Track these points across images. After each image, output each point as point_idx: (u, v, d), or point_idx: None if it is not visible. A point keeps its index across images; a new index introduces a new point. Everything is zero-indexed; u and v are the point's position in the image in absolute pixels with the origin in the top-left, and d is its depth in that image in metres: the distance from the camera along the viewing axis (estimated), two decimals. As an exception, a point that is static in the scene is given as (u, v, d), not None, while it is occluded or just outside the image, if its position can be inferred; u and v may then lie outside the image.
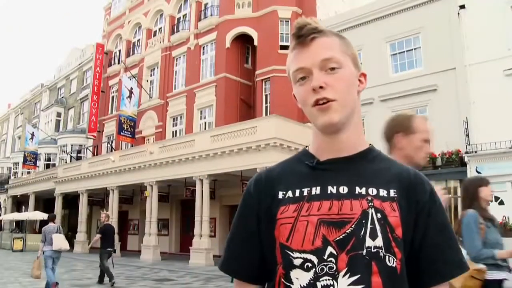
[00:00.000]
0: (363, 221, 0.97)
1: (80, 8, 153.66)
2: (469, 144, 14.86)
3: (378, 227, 0.97)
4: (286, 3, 21.36)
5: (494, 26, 15.05)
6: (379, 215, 0.97)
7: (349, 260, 0.95)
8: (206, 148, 18.30)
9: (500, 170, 14.13)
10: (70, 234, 31.72)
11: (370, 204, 0.98)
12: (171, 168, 20.08)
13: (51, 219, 10.60)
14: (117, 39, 32.46)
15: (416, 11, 17.20)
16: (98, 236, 11.86)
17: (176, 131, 25.54)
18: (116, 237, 16.14)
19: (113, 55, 32.23)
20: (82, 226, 26.88)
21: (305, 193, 1.03)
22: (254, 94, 22.58)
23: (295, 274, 0.98)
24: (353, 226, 0.97)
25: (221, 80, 22.75)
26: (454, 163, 15.00)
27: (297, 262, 0.98)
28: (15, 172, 40.16)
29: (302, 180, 1.06)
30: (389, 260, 0.96)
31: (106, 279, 11.87)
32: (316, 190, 1.02)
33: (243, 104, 23.00)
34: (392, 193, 1.01)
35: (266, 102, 21.24)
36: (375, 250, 0.95)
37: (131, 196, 26.54)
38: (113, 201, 23.87)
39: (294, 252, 0.98)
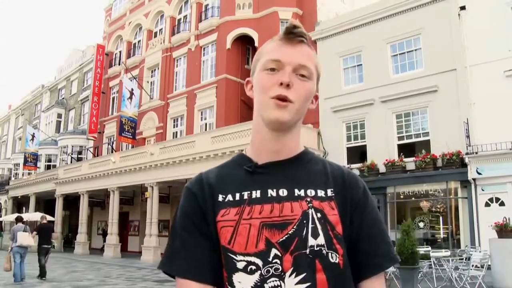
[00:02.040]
0: (304, 222, 1.00)
1: (81, 9, 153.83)
2: (469, 145, 14.85)
3: (319, 226, 1.00)
4: (287, 4, 21.37)
5: (495, 27, 15.04)
6: (319, 215, 1.02)
7: (294, 260, 0.98)
8: (206, 149, 18.30)
9: (500, 171, 14.12)
10: (71, 235, 31.79)
11: (310, 205, 1.02)
12: (172, 169, 20.08)
13: (19, 220, 12.41)
14: (117, 40, 32.49)
15: (417, 12, 17.20)
16: (34, 233, 12.97)
17: (176, 132, 25.54)
18: (55, 235, 17.06)
19: (114, 56, 32.25)
20: (82, 227, 26.89)
21: (246, 197, 1.04)
22: (255, 95, 22.54)
23: (237, 277, 0.99)
24: (295, 227, 1.00)
25: (222, 81, 22.76)
26: (455, 164, 14.99)
27: (240, 265, 0.99)
28: (16, 173, 40.16)
29: (242, 184, 1.07)
30: (331, 257, 1.00)
31: (54, 275, 13.12)
32: (256, 194, 1.04)
33: (243, 105, 22.99)
34: (329, 192, 1.07)
35: (267, 103, 21.23)
36: (318, 248, 0.99)
37: (132, 197, 26.56)
38: (114, 202, 23.87)
39: (237, 255, 0.99)
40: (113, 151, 27.24)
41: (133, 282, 13.02)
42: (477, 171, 14.54)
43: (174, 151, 20.11)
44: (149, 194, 21.42)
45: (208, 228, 1.05)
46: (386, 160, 16.47)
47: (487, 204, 14.52)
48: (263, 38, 21.55)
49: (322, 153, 18.29)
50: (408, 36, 17.27)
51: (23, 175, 37.34)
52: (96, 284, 12.41)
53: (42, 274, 12.82)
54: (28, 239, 11.72)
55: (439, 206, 15.93)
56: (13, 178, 39.19)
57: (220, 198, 1.06)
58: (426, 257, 10.75)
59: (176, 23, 27.15)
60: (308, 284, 0.97)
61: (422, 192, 16.21)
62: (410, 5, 17.29)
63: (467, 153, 14.80)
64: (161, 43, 27.58)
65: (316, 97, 1.15)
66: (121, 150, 27.27)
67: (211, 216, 1.05)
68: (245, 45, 23.56)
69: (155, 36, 28.79)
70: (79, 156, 32.29)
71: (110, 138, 30.15)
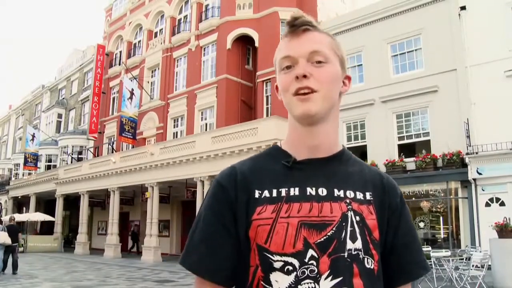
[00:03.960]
0: (343, 224, 0.97)
1: (81, 9, 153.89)
2: (470, 145, 14.84)
3: (357, 230, 0.98)
4: (287, 4, 21.37)
5: (495, 27, 15.04)
6: (358, 218, 0.99)
7: (331, 262, 0.94)
8: (207, 149, 18.31)
9: (501, 171, 14.12)
10: (71, 235, 31.80)
11: (349, 207, 0.99)
12: (172, 169, 20.09)
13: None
14: (118, 40, 32.50)
15: (417, 12, 17.20)
16: (5, 233, 14.08)
17: (177, 132, 25.55)
18: (21, 235, 18.13)
19: (114, 56, 32.26)
20: (83, 228, 26.90)
21: (283, 194, 1.00)
22: (255, 95, 22.58)
23: (274, 277, 0.95)
24: (334, 229, 0.96)
25: (222, 81, 22.76)
26: (455, 164, 14.99)
27: (277, 265, 0.95)
28: (16, 173, 40.19)
29: (279, 179, 1.02)
30: (367, 262, 0.97)
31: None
32: (294, 191, 1.00)
33: (244, 105, 23.00)
34: (368, 196, 1.04)
35: (267, 103, 21.25)
36: (356, 252, 0.96)
37: (132, 197, 26.57)
38: (114, 202, 23.89)
39: (274, 255, 0.96)
40: (114, 151, 27.24)
41: (134, 282, 13.02)
42: (477, 171, 14.53)
43: (174, 151, 20.11)
44: (149, 194, 21.42)
45: (235, 226, 1.01)
46: (387, 160, 16.47)
47: (487, 204, 14.52)
48: (263, 38, 21.56)
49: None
50: (409, 36, 17.27)
51: (23, 175, 37.37)
52: (96, 284, 12.42)
53: (2, 268, 14.21)
54: (6, 238, 13.74)
55: (439, 206, 15.93)
56: (13, 178, 39.23)
57: (257, 194, 1.01)
58: (427, 257, 10.71)
59: (177, 23, 27.16)
60: None
61: (422, 192, 16.20)
62: (410, 5, 17.28)
63: (467, 153, 14.80)
64: (161, 43, 27.59)
65: (348, 78, 1.12)
66: (122, 150, 27.27)
67: (243, 213, 1.01)
68: (246, 45, 23.56)
69: (156, 36, 28.80)
70: (79, 156, 32.31)
71: (111, 138, 30.16)
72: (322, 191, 1.00)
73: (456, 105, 15.55)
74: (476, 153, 14.65)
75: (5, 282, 12.41)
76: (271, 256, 0.96)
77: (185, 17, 26.83)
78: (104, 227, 28.96)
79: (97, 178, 25.05)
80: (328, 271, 0.94)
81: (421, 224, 16.00)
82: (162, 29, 28.40)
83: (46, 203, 34.31)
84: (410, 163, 16.03)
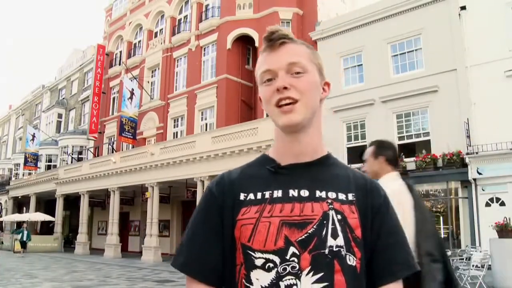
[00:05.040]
0: (324, 222, 1.01)
1: (81, 9, 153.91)
2: (470, 145, 14.84)
3: (339, 228, 1.01)
4: (287, 4, 21.37)
5: (495, 27, 15.04)
6: (339, 216, 1.02)
7: (312, 259, 0.98)
8: (207, 149, 18.31)
9: (501, 171, 14.12)
10: (71, 235, 31.82)
11: (331, 206, 1.03)
12: (172, 169, 20.09)
13: None
14: (118, 40, 32.51)
15: (417, 12, 17.20)
16: None
17: (177, 132, 25.55)
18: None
19: (114, 56, 32.26)
20: (83, 227, 26.91)
21: (267, 196, 1.05)
22: (255, 95, 22.57)
23: (255, 274, 0.99)
24: (314, 227, 1.00)
25: (222, 81, 22.76)
26: (455, 164, 14.99)
27: (259, 262, 0.99)
28: (16, 173, 40.19)
29: (264, 183, 1.08)
30: (349, 259, 1.00)
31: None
32: (278, 193, 1.05)
33: (244, 105, 23.00)
34: (350, 196, 1.07)
35: (267, 103, 21.22)
36: (337, 249, 0.99)
37: (132, 197, 26.57)
38: (114, 202, 23.89)
39: (255, 253, 1.00)
40: (114, 151, 27.25)
41: (134, 282, 13.03)
42: (477, 171, 14.54)
43: (174, 151, 20.11)
44: (150, 194, 21.43)
45: (223, 229, 1.07)
46: (387, 160, 16.44)
47: (487, 204, 14.52)
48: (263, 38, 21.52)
49: (323, 153, 18.29)
50: (409, 36, 17.27)
51: (23, 175, 37.37)
52: (96, 284, 12.42)
53: None
54: None
55: (439, 206, 15.93)
56: (13, 178, 39.24)
57: (242, 197, 1.07)
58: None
59: (177, 23, 27.16)
60: (325, 284, 0.97)
61: (422, 192, 16.20)
62: (410, 5, 17.29)
63: (467, 153, 14.80)
64: (161, 43, 27.59)
65: (327, 84, 1.16)
66: (122, 150, 27.28)
67: (230, 215, 1.07)
68: (246, 45, 23.56)
69: (156, 36, 28.80)
70: (79, 156, 32.32)
71: (111, 138, 30.17)
72: (304, 193, 1.05)
73: (456, 105, 15.55)
74: (476, 153, 14.65)
75: (5, 282, 12.41)
76: (253, 254, 1.00)
77: (185, 17, 26.83)
78: (104, 227, 28.96)
79: (97, 178, 25.05)
80: (309, 267, 0.97)
81: (421, 224, 15.97)
82: (162, 29, 28.40)
83: (46, 203, 34.32)
84: (410, 163, 16.02)
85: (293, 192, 1.05)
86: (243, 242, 1.02)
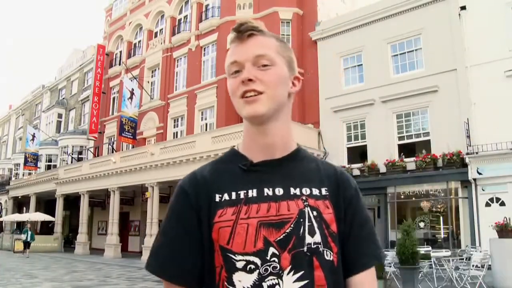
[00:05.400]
0: (301, 220, 1.02)
1: (81, 9, 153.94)
2: (470, 145, 14.85)
3: (315, 224, 1.02)
4: (287, 4, 21.37)
5: (495, 27, 15.04)
6: (315, 213, 1.03)
7: (292, 258, 0.99)
8: (207, 149, 18.30)
9: (501, 171, 14.12)
10: (71, 235, 31.81)
11: (306, 203, 1.04)
12: (172, 169, 20.08)
13: None
14: (118, 40, 32.50)
15: (417, 12, 17.20)
16: None
17: (177, 132, 25.55)
18: None
19: (114, 56, 32.26)
20: (83, 227, 26.90)
21: (242, 196, 1.04)
22: (255, 95, 22.56)
23: (237, 276, 0.99)
24: (292, 226, 1.01)
25: (222, 81, 22.73)
26: (455, 164, 14.99)
27: (240, 264, 0.99)
28: (16, 173, 40.19)
29: (237, 182, 1.07)
30: (327, 254, 1.02)
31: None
32: (253, 193, 1.04)
33: (244, 105, 22.97)
34: (323, 191, 1.08)
35: (267, 103, 21.22)
36: (315, 246, 1.01)
37: (132, 197, 26.57)
38: (114, 202, 23.89)
39: (236, 255, 0.99)
40: (114, 151, 27.24)
41: (134, 282, 13.03)
42: (477, 171, 14.54)
43: (174, 151, 20.11)
44: (150, 194, 21.42)
45: (199, 229, 1.05)
46: (387, 160, 16.47)
47: (487, 204, 14.52)
48: (263, 38, 21.53)
49: (323, 153, 18.30)
50: (409, 36, 17.28)
51: (23, 175, 37.37)
52: (96, 284, 12.42)
53: None
54: None
55: (439, 206, 15.93)
56: (13, 178, 39.23)
57: (217, 198, 1.05)
58: (427, 257, 10.74)
59: (177, 23, 27.16)
60: (306, 281, 0.98)
61: (422, 192, 16.20)
62: (410, 5, 17.29)
63: (467, 153, 14.80)
64: (161, 43, 27.59)
65: (297, 78, 1.14)
66: (122, 150, 27.27)
67: (206, 216, 1.05)
68: (246, 45, 23.52)
69: (156, 36, 28.79)
70: (79, 156, 32.31)
71: (111, 138, 30.16)
72: (279, 191, 1.05)
73: (456, 105, 15.55)
74: (476, 153, 14.65)
75: (5, 282, 12.42)
76: (233, 256, 0.99)
77: (185, 17, 26.83)
78: (104, 227, 28.95)
79: (97, 178, 25.05)
80: (290, 266, 0.98)
81: (421, 224, 16.00)
82: (162, 29, 28.40)
83: (46, 203, 34.30)
84: (410, 163, 16.03)
85: (268, 191, 1.05)
86: (221, 245, 1.01)
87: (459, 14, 15.99)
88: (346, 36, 19.07)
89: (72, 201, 30.38)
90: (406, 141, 16.88)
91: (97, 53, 31.62)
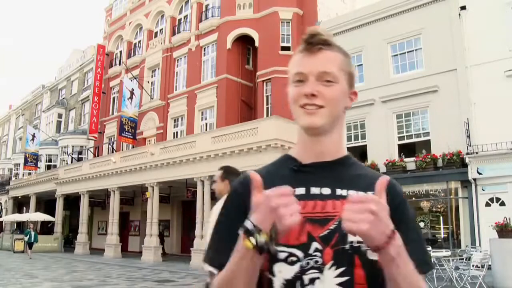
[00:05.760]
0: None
1: (81, 9, 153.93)
2: (470, 145, 14.85)
3: None
4: (287, 4, 21.37)
5: (495, 27, 15.04)
6: None
7: (334, 254, 1.02)
8: (207, 149, 18.31)
9: (501, 171, 14.12)
10: (71, 235, 31.82)
11: None
12: (172, 169, 20.09)
13: None
14: (118, 40, 32.51)
15: (417, 12, 17.20)
16: None
17: (177, 132, 25.55)
18: None
19: (114, 56, 32.27)
20: (83, 227, 26.90)
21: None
22: (255, 95, 22.59)
23: (278, 267, 1.03)
24: (336, 223, 1.04)
25: (222, 81, 22.76)
26: (455, 164, 14.99)
27: (282, 256, 1.03)
28: (16, 173, 40.19)
29: (287, 182, 1.08)
30: (370, 254, 1.02)
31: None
32: (300, 191, 1.09)
33: (244, 105, 23.00)
34: (370, 194, 1.07)
35: (267, 103, 21.25)
36: (357, 244, 1.02)
37: (132, 197, 26.57)
38: (114, 202, 23.89)
39: (279, 246, 1.01)
40: (114, 151, 27.25)
41: (134, 282, 13.03)
42: (477, 171, 14.54)
43: (174, 151, 20.11)
44: (150, 194, 21.43)
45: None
46: (387, 160, 16.47)
47: (487, 204, 14.52)
48: (263, 38, 21.57)
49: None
50: (409, 36, 17.28)
51: (23, 175, 37.37)
52: (96, 284, 12.42)
53: None
54: None
55: (439, 206, 15.93)
56: (13, 178, 39.24)
57: None
58: (427, 257, 10.72)
59: (177, 23, 27.17)
60: (347, 278, 1.01)
61: (422, 192, 16.21)
62: (410, 5, 17.29)
63: (467, 153, 14.80)
64: (161, 43, 27.59)
65: (354, 93, 1.19)
66: (122, 150, 27.28)
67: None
68: (246, 45, 23.56)
69: (156, 36, 28.80)
70: (79, 156, 32.32)
71: (111, 138, 30.17)
72: (326, 191, 1.10)
73: (456, 105, 15.55)
74: (476, 153, 14.65)
75: (5, 282, 12.42)
76: (283, 248, 1.03)
77: (185, 17, 26.84)
78: (104, 227, 28.97)
79: (97, 178, 25.05)
80: (332, 262, 1.02)
81: (421, 224, 15.99)
82: (162, 29, 28.41)
83: (46, 203, 34.31)
84: (410, 163, 16.03)
85: (315, 190, 1.09)
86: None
87: (459, 14, 15.99)
88: (346, 36, 19.06)
89: (72, 201, 30.39)
90: (406, 141, 16.88)
91: (97, 53, 31.63)
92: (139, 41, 30.17)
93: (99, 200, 28.14)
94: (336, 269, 1.01)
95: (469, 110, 15.19)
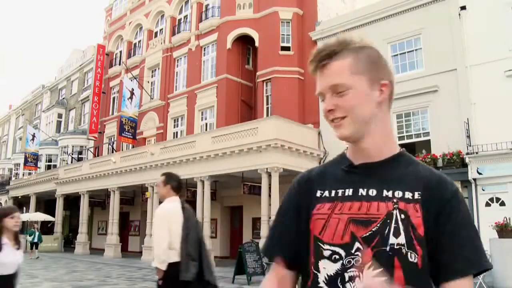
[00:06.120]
0: (388, 221, 1.09)
1: (81, 9, 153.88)
2: (470, 145, 14.84)
3: (401, 227, 1.07)
4: (287, 4, 21.36)
5: (495, 27, 15.04)
6: (402, 216, 1.09)
7: (374, 254, 1.07)
8: (207, 149, 18.30)
9: (501, 171, 14.12)
10: (71, 235, 31.81)
11: (396, 205, 1.10)
12: (172, 169, 20.04)
13: None
14: (118, 40, 32.50)
15: (417, 12, 17.20)
16: None
17: (177, 132, 25.55)
18: None
19: (114, 56, 32.27)
20: (83, 227, 26.91)
21: (340, 194, 1.17)
22: (255, 95, 22.58)
23: (322, 264, 1.12)
24: (378, 225, 1.09)
25: (222, 81, 22.76)
26: (455, 164, 14.99)
27: (326, 253, 1.12)
28: (16, 173, 40.19)
29: (338, 181, 1.20)
30: (411, 256, 1.06)
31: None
32: (349, 192, 1.16)
33: (244, 105, 22.99)
34: (416, 195, 1.12)
35: (267, 103, 21.24)
36: (398, 247, 1.06)
37: (132, 197, 26.56)
38: (114, 202, 23.89)
39: (324, 244, 1.13)
40: (114, 151, 27.25)
41: (134, 282, 13.03)
42: (477, 171, 14.53)
43: (174, 151, 20.11)
44: (150, 194, 21.42)
45: (299, 219, 1.22)
46: (387, 160, 16.45)
47: (487, 204, 14.52)
48: (263, 38, 21.56)
49: (323, 153, 18.30)
50: (409, 36, 17.27)
51: (23, 175, 37.38)
52: (96, 284, 12.42)
53: None
54: None
55: (439, 206, 15.91)
56: (13, 178, 39.24)
57: (318, 193, 1.20)
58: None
59: (177, 23, 27.17)
60: (385, 278, 1.04)
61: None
62: (410, 5, 17.29)
63: (467, 153, 14.80)
64: (161, 43, 27.59)
65: (384, 85, 1.20)
66: (122, 150, 27.28)
67: (306, 209, 1.21)
68: (246, 45, 23.55)
69: (156, 36, 28.80)
70: (79, 156, 32.31)
71: (111, 138, 30.17)
72: (372, 192, 1.14)
73: (456, 105, 15.55)
74: (476, 153, 14.65)
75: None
76: (322, 245, 1.13)
77: (185, 17, 26.84)
78: (104, 227, 28.96)
79: (97, 178, 25.05)
80: (371, 262, 1.06)
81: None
82: (162, 29, 28.40)
83: (46, 203, 34.31)
84: (410, 163, 16.01)
85: (362, 191, 1.14)
86: (315, 234, 1.15)
87: (459, 14, 15.99)
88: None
89: (72, 201, 30.39)
90: (406, 141, 16.87)
91: (97, 53, 31.62)
92: (139, 41, 30.18)
93: (99, 200, 28.13)
94: (374, 269, 1.05)
95: (469, 110, 15.19)
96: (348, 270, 1.08)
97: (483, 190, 14.65)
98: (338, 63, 1.16)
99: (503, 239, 10.25)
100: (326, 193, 1.19)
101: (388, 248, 1.06)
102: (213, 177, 18.55)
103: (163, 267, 4.14)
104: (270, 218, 15.65)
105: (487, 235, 12.28)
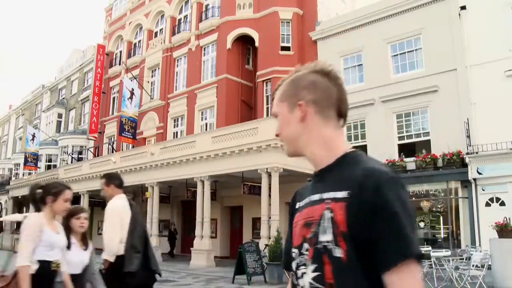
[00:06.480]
0: (321, 221, 1.20)
1: (81, 9, 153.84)
2: (470, 145, 14.85)
3: (328, 225, 1.17)
4: (287, 4, 21.36)
5: (495, 27, 15.04)
6: (331, 215, 1.18)
7: (312, 252, 1.20)
8: (207, 149, 18.29)
9: (501, 171, 14.12)
10: (71, 235, 31.75)
11: (327, 206, 1.20)
12: (172, 169, 20.08)
13: None
14: (118, 40, 32.50)
15: (417, 12, 17.20)
16: None
17: (177, 132, 25.55)
18: None
19: (114, 56, 32.27)
20: (83, 227, 26.88)
21: (303, 203, 1.33)
22: (255, 95, 22.58)
23: (293, 263, 1.29)
24: (316, 226, 1.21)
25: (222, 81, 22.76)
26: (455, 164, 14.99)
27: (294, 255, 1.29)
28: (16, 173, 40.18)
29: (308, 191, 1.34)
30: (335, 252, 1.14)
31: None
32: (308, 199, 1.30)
33: (244, 105, 22.99)
34: (346, 194, 1.18)
35: (267, 103, 21.24)
36: (327, 243, 1.16)
37: (132, 197, 26.52)
38: (114, 202, 23.85)
39: (292, 248, 1.30)
40: (114, 151, 27.25)
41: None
42: (477, 171, 14.53)
43: (174, 151, 20.10)
44: (150, 194, 21.42)
45: (291, 229, 1.39)
46: (387, 160, 16.46)
47: (487, 204, 14.52)
48: (263, 38, 21.56)
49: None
50: (409, 36, 17.27)
51: (23, 175, 37.36)
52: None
53: None
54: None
55: (439, 206, 15.93)
56: (13, 178, 39.22)
57: (297, 205, 1.37)
58: (427, 257, 10.74)
59: (177, 23, 27.17)
60: (319, 273, 1.18)
61: (422, 192, 16.20)
62: (410, 5, 17.29)
63: (467, 153, 14.80)
64: (161, 43, 27.59)
65: (299, 105, 1.32)
66: (122, 150, 27.28)
67: (292, 220, 1.38)
68: (246, 45, 23.55)
69: (156, 36, 28.80)
70: (79, 156, 32.30)
71: (111, 138, 30.17)
72: (316, 197, 1.26)
73: (456, 105, 15.55)
74: (476, 153, 14.65)
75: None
76: (292, 249, 1.30)
77: (185, 17, 26.84)
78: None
79: (97, 178, 24.99)
80: (311, 260, 1.21)
81: (421, 224, 16.00)
82: (162, 29, 28.40)
83: (46, 203, 34.26)
84: (410, 163, 16.03)
85: (311, 198, 1.28)
86: (292, 240, 1.33)
87: (459, 14, 15.99)
88: (346, 36, 19.07)
89: (72, 201, 30.29)
90: (406, 141, 16.88)
91: (97, 53, 31.62)
92: (139, 41, 30.17)
93: (99, 200, 28.05)
94: (312, 265, 1.19)
95: (469, 110, 15.19)
96: (300, 268, 1.24)
97: (483, 190, 14.65)
98: (276, 95, 1.39)
99: (503, 239, 10.24)
100: (301, 204, 1.34)
101: (320, 246, 1.17)
102: (213, 177, 18.54)
103: (112, 259, 4.39)
104: (270, 218, 15.65)
105: (487, 235, 12.30)
